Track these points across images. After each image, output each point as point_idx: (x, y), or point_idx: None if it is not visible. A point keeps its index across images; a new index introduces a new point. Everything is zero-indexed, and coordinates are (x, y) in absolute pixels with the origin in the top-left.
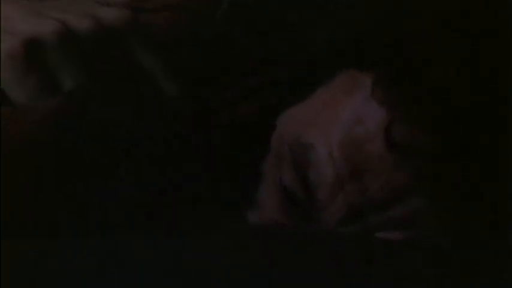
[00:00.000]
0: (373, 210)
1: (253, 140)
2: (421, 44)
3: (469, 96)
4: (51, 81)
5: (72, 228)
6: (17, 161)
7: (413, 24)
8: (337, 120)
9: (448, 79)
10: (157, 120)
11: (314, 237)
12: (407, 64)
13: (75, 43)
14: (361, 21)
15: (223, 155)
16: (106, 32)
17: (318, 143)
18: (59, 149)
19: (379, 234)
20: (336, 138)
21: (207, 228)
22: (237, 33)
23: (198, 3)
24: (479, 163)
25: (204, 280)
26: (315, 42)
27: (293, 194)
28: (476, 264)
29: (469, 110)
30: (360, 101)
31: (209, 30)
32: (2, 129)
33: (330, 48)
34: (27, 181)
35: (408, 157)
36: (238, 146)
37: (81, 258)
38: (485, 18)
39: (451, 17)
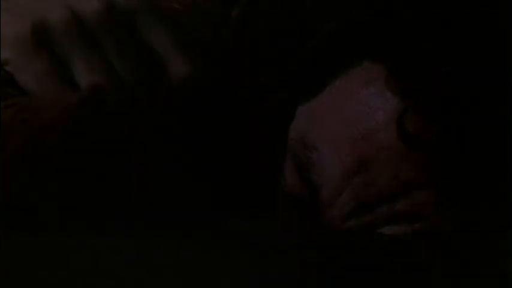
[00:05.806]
0: (381, 202)
1: (272, 134)
2: (437, 34)
3: (483, 89)
4: (58, 67)
5: (86, 226)
6: (28, 155)
7: (427, 14)
8: (346, 116)
9: (462, 71)
10: (171, 108)
11: (319, 235)
12: (423, 54)
13: (82, 29)
14: (374, 12)
15: (239, 147)
16: (116, 13)
17: (322, 143)
18: (74, 145)
19: (386, 229)
20: (344, 133)
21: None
22: (252, 20)
23: None
24: (490, 157)
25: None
26: (327, 34)
27: (295, 195)
28: (483, 257)
29: (482, 103)
30: (373, 93)
31: (224, 12)
32: (17, 119)
33: (342, 40)
34: (38, 176)
35: (418, 148)
36: (255, 139)
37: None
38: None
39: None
